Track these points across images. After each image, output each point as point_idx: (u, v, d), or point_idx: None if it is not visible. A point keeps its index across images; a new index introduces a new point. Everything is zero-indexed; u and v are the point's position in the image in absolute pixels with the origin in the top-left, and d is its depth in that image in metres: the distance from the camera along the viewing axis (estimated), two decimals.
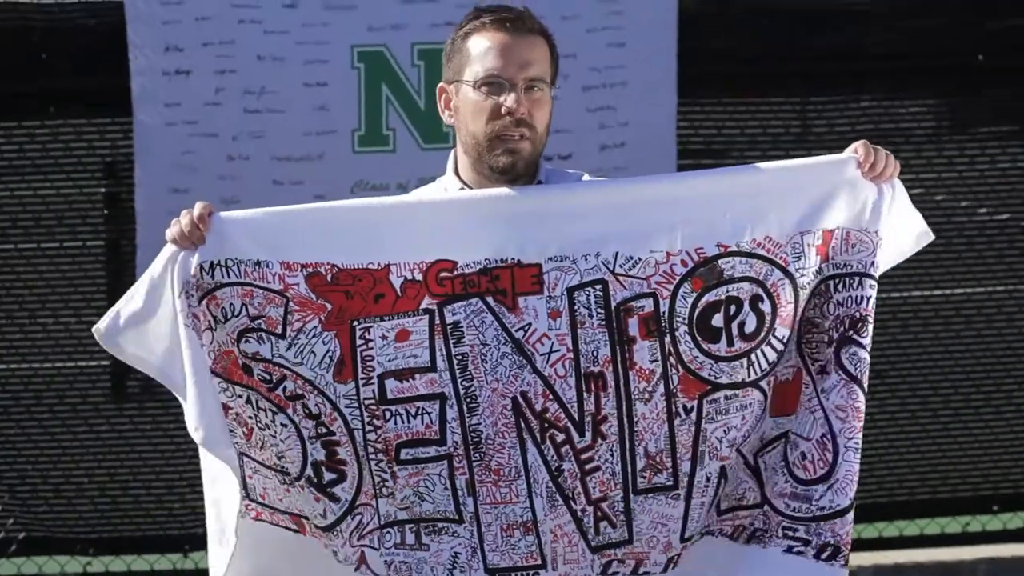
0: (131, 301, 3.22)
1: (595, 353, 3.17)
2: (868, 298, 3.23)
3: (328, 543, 3.25)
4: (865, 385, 3.25)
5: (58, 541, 6.03)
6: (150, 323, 3.21)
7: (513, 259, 3.17)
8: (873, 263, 3.24)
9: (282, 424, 3.20)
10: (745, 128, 6.13)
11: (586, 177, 3.35)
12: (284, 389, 3.19)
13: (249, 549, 3.24)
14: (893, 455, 6.28)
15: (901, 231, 3.29)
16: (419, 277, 3.17)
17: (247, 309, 3.17)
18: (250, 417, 3.20)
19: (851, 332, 3.22)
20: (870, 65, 6.12)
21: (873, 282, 3.23)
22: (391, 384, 3.17)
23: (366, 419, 3.18)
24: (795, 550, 3.27)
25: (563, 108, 5.57)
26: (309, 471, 3.21)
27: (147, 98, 5.60)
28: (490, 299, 3.17)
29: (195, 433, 3.23)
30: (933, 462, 6.32)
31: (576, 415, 3.18)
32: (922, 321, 6.19)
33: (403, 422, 3.17)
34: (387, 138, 5.68)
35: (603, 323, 3.17)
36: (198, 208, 3.19)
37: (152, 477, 6.01)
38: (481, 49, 3.18)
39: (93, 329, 3.27)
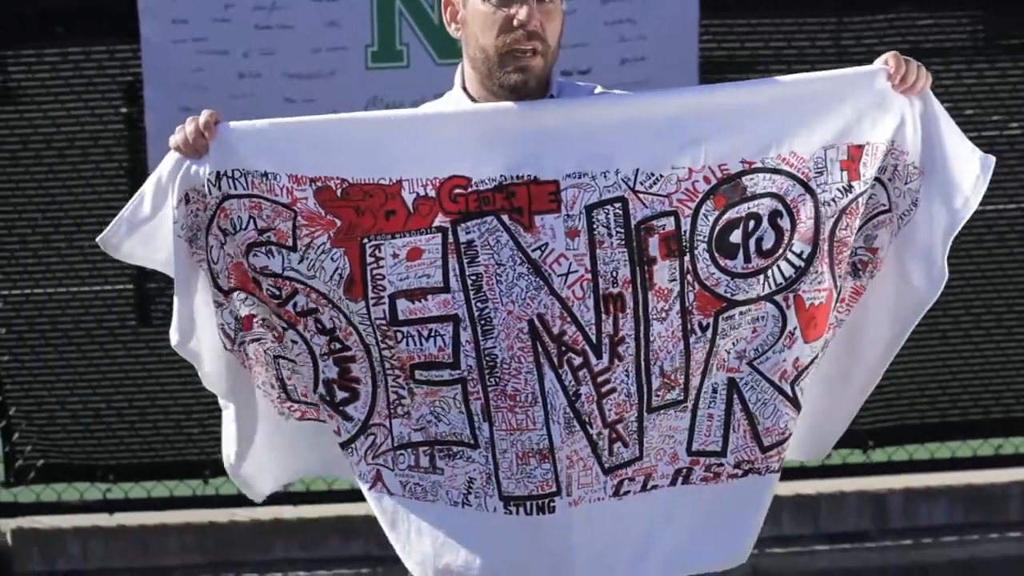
0: (135, 208, 3.16)
1: (614, 274, 3.10)
2: (869, 195, 3.17)
3: (348, 457, 3.20)
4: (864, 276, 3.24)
5: (77, 468, 6.01)
6: (156, 230, 3.15)
7: (529, 175, 3.09)
8: (884, 168, 3.16)
9: (292, 341, 3.15)
10: (770, 42, 6.00)
11: (599, 90, 3.25)
12: (295, 305, 3.12)
13: (303, 450, 3.29)
14: (923, 377, 6.20)
15: (950, 151, 3.18)
16: (432, 193, 3.08)
17: (255, 222, 3.10)
18: (274, 317, 3.15)
19: (868, 253, 3.22)
20: None
21: (877, 184, 3.17)
22: (402, 304, 3.09)
23: (379, 337, 3.11)
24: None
25: (581, 21, 5.51)
26: (321, 389, 3.16)
27: (153, 15, 5.51)
28: (505, 217, 3.08)
29: (172, 335, 3.20)
30: (964, 383, 6.23)
31: (594, 337, 3.12)
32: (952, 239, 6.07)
33: (415, 344, 3.10)
34: (400, 53, 5.58)
35: (623, 243, 3.09)
36: (204, 116, 3.11)
37: (170, 403, 5.97)
38: None
39: (97, 239, 3.22)
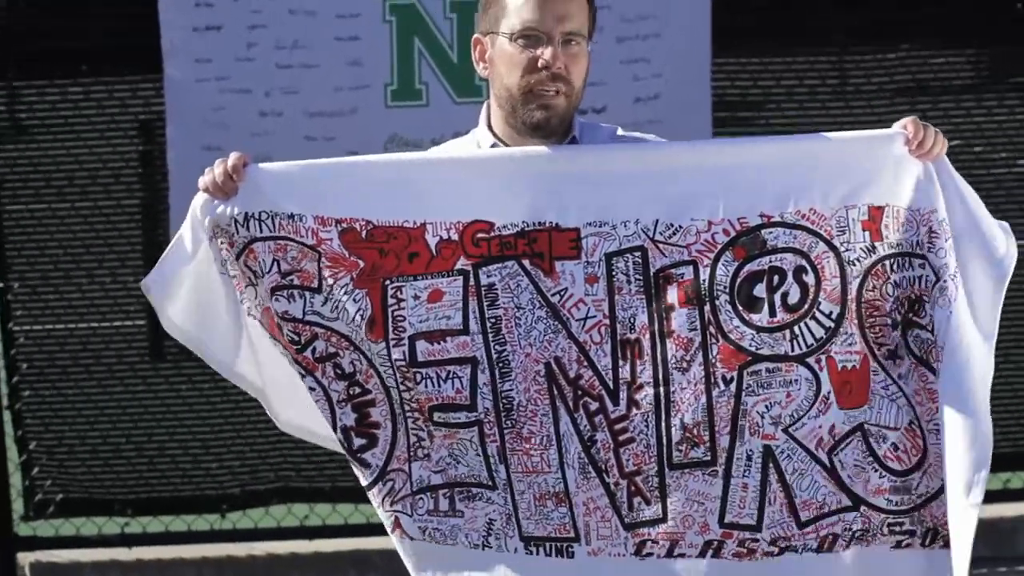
0: (173, 253, 3.19)
1: (632, 320, 3.12)
2: (920, 278, 3.13)
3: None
4: (935, 365, 3.13)
5: (95, 502, 6.04)
6: (193, 279, 3.19)
7: (551, 223, 3.13)
8: (921, 242, 3.13)
9: (309, 388, 3.18)
10: (782, 80, 6.06)
11: (620, 131, 3.30)
12: (314, 350, 3.15)
13: None
14: None
15: (974, 210, 3.15)
16: (455, 237, 3.13)
17: (279, 265, 3.14)
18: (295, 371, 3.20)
19: (911, 315, 3.14)
20: (908, 16, 6.04)
21: (922, 261, 3.12)
22: (422, 346, 3.13)
23: (399, 379, 3.15)
24: (904, 544, 3.17)
25: (597, 60, 5.47)
26: (340, 436, 3.19)
27: (178, 54, 5.58)
28: (526, 262, 3.12)
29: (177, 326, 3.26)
30: None
31: (611, 383, 3.13)
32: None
33: (433, 386, 3.13)
34: (420, 92, 5.64)
35: (641, 289, 3.12)
36: (232, 158, 3.15)
37: (189, 437, 6.00)
38: (518, 1, 3.13)
39: (140, 284, 3.25)
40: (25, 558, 6.07)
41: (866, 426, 3.15)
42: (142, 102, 5.83)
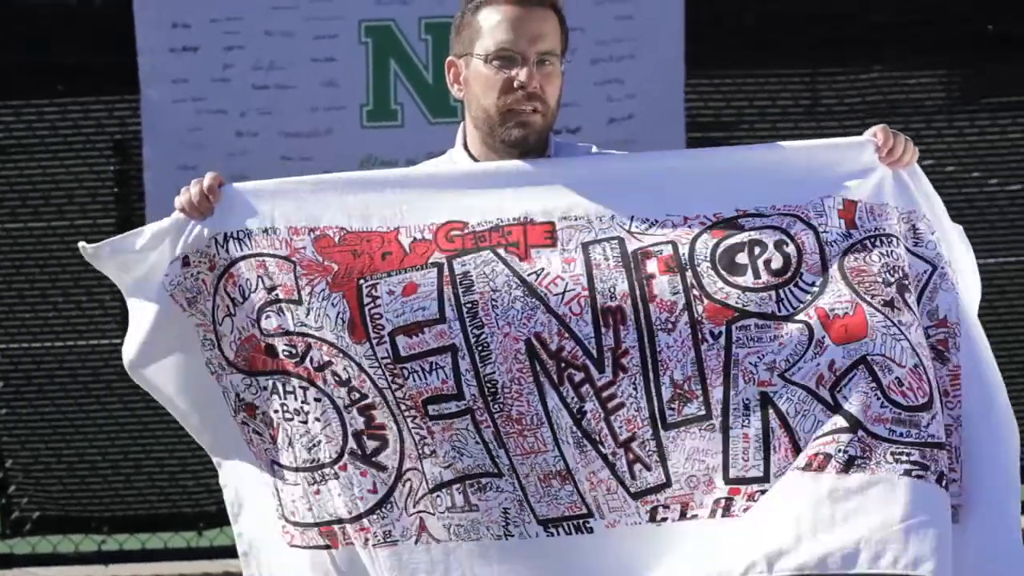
0: (125, 240, 3.19)
1: (612, 289, 3.07)
2: (904, 259, 3.11)
3: (378, 530, 3.14)
4: (940, 338, 3.10)
5: (72, 520, 6.06)
6: (135, 263, 3.18)
7: (525, 218, 3.13)
8: (905, 235, 3.13)
9: (315, 399, 3.14)
10: (754, 100, 6.11)
11: (595, 150, 3.32)
12: (311, 360, 3.13)
13: None
14: None
15: (940, 214, 3.18)
16: (428, 236, 3.13)
17: (263, 281, 3.14)
18: (275, 412, 3.16)
19: (905, 280, 3.09)
20: (879, 36, 6.10)
21: (905, 249, 3.11)
22: (402, 341, 3.10)
23: (388, 378, 3.12)
24: (915, 474, 2.95)
25: (571, 81, 5.50)
26: (352, 443, 3.14)
27: (154, 75, 5.62)
28: (501, 251, 3.11)
29: (128, 355, 3.26)
30: None
31: (594, 351, 3.07)
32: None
33: (420, 379, 3.10)
34: (395, 112, 5.68)
35: (620, 264, 3.09)
36: (208, 178, 3.16)
37: (165, 455, 6.02)
38: (492, 22, 3.14)
39: (79, 244, 3.24)
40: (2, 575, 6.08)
41: (869, 357, 3.02)
42: (118, 122, 5.86)
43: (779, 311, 3.06)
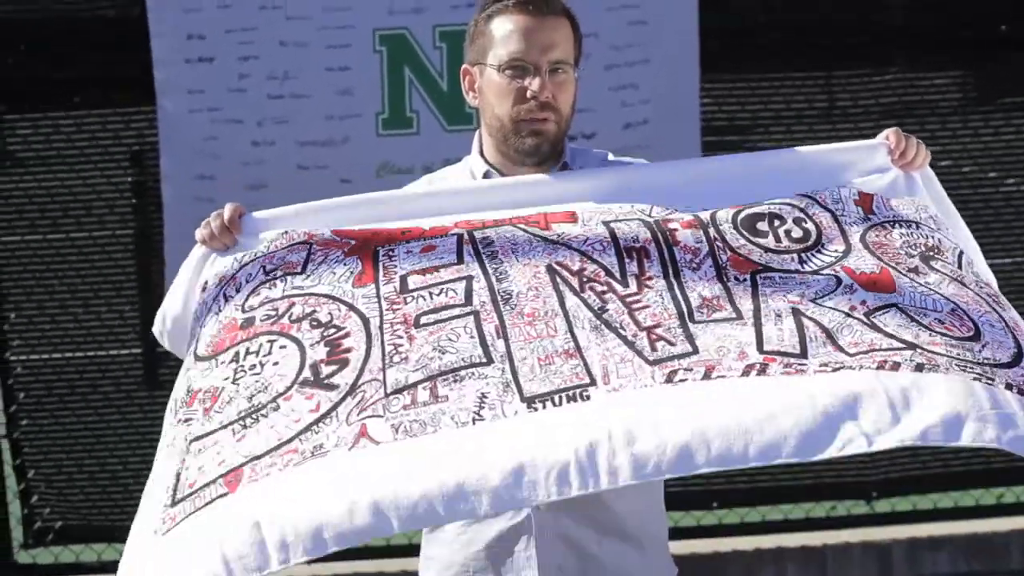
0: (170, 302, 3.23)
1: (635, 236, 3.07)
2: (930, 236, 3.11)
3: (307, 447, 2.80)
4: (973, 291, 2.99)
5: (94, 529, 6.06)
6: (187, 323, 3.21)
7: (543, 212, 3.15)
8: (924, 222, 3.14)
9: (280, 347, 2.99)
10: (769, 103, 6.11)
11: (611, 156, 3.34)
12: (290, 316, 3.04)
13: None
14: None
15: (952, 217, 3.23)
16: (448, 223, 3.15)
17: (264, 268, 3.13)
18: (225, 379, 2.96)
19: (928, 252, 3.07)
20: (894, 38, 6.09)
21: (929, 231, 3.12)
22: (413, 279, 3.06)
23: (384, 307, 3.03)
24: (984, 380, 2.79)
25: (585, 87, 5.52)
26: (306, 373, 2.91)
27: (170, 86, 5.63)
28: (522, 224, 3.13)
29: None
30: None
31: (617, 273, 3.01)
32: None
33: (425, 300, 3.03)
34: (411, 120, 5.69)
35: (641, 225, 3.10)
36: (228, 211, 3.19)
37: None
38: (504, 32, 3.17)
39: (154, 330, 3.28)
40: None
41: (900, 305, 2.93)
42: (135, 133, 5.88)
43: (803, 269, 3.02)
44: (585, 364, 2.87)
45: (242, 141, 5.64)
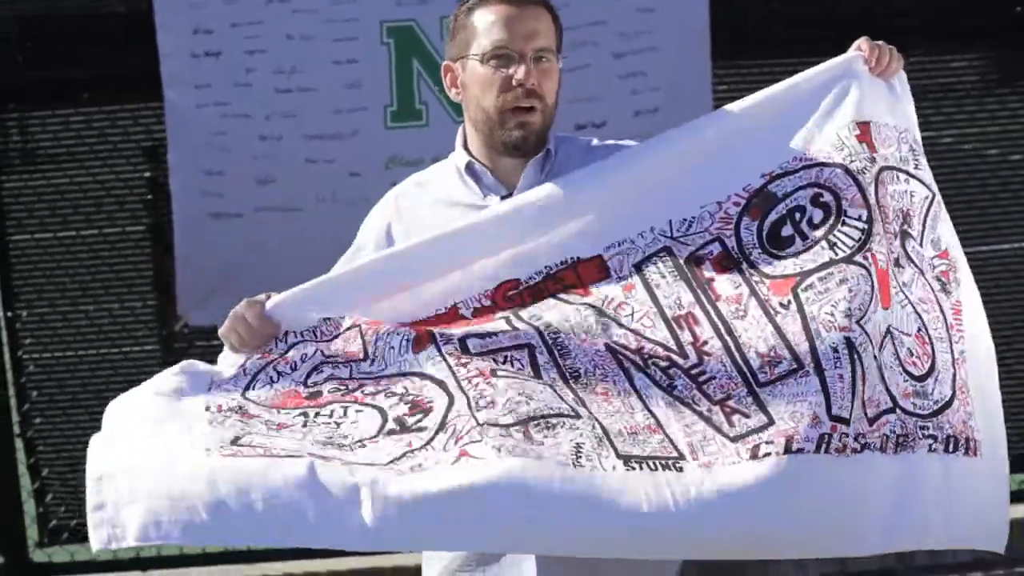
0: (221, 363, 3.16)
1: (678, 301, 3.10)
2: (909, 192, 3.20)
3: (404, 466, 2.88)
4: (931, 277, 3.19)
5: None
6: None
7: (572, 258, 3.15)
8: (904, 159, 3.20)
9: (357, 411, 3.03)
10: None
11: (595, 142, 3.32)
12: (363, 391, 3.06)
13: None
14: None
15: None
16: (488, 303, 3.13)
17: (321, 352, 3.10)
18: (292, 423, 3.02)
19: (906, 226, 3.19)
20: (909, 22, 6.04)
21: (907, 177, 3.20)
22: (473, 342, 3.07)
23: (452, 364, 3.03)
24: (932, 448, 3.08)
25: (594, 75, 5.58)
26: (391, 425, 2.98)
27: (177, 81, 5.60)
28: (562, 295, 3.13)
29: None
30: None
31: (675, 346, 3.05)
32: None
33: (493, 363, 3.03)
34: (420, 112, 5.66)
35: (677, 278, 3.12)
36: (251, 315, 3.11)
37: None
38: (487, 23, 3.18)
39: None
40: None
41: (892, 330, 3.10)
42: (143, 128, 5.86)
43: (836, 255, 3.07)
44: (670, 439, 2.93)
45: (250, 135, 5.61)
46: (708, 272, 3.11)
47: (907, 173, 3.21)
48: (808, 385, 2.98)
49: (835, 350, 3.00)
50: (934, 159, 3.39)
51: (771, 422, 2.95)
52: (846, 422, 2.97)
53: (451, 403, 2.97)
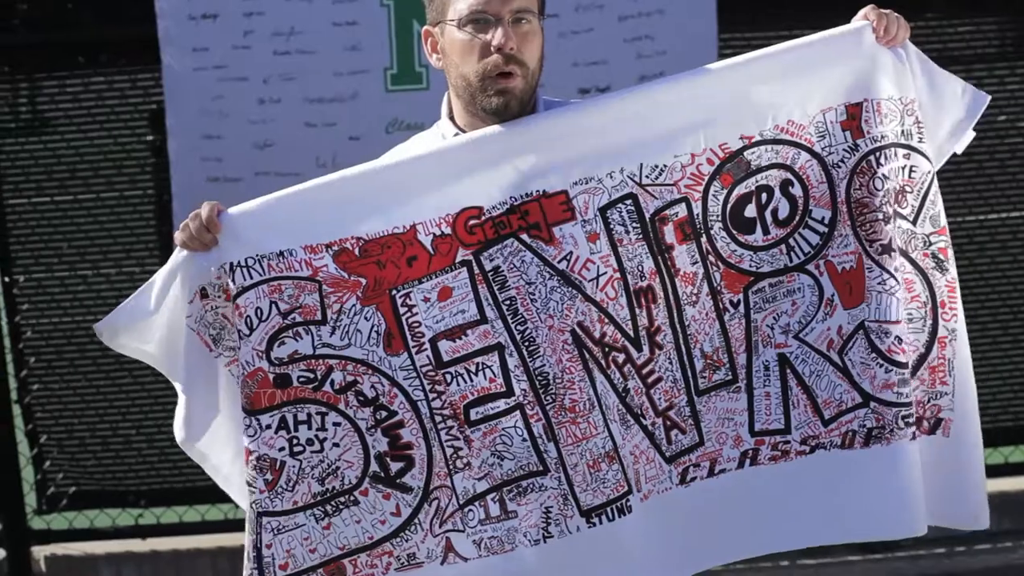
0: (137, 299, 3.12)
1: (640, 268, 3.13)
2: (908, 168, 3.18)
3: (401, 552, 3.13)
4: (916, 256, 3.21)
5: (108, 494, 6.05)
6: (153, 323, 3.10)
7: (538, 191, 3.11)
8: (908, 132, 3.18)
9: (334, 423, 3.09)
10: None
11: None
12: (332, 383, 3.08)
13: None
14: None
15: (941, 95, 3.21)
16: (447, 231, 3.10)
17: (277, 307, 3.07)
18: (280, 450, 3.07)
19: (896, 206, 3.18)
20: None
21: (908, 151, 3.18)
22: (444, 346, 3.09)
23: (427, 387, 3.09)
24: (916, 435, 3.20)
25: (599, 39, 5.52)
26: (374, 466, 3.11)
27: (174, 44, 5.54)
28: (525, 236, 3.10)
29: (177, 431, 3.24)
30: (992, 390, 6.18)
31: (631, 332, 3.15)
32: (977, 246, 6.06)
33: (466, 382, 3.09)
34: (420, 75, 5.59)
35: (640, 236, 3.13)
36: (206, 209, 3.07)
37: None
38: None
39: (94, 326, 3.18)
40: (40, 551, 6.07)
41: (867, 323, 3.19)
42: (142, 92, 5.80)
43: (791, 262, 3.18)
44: (623, 468, 3.13)
45: (249, 99, 5.55)
46: (670, 238, 3.14)
47: (909, 148, 3.19)
48: (737, 403, 3.21)
49: (766, 368, 3.20)
50: None
51: (701, 442, 3.20)
52: (781, 432, 3.21)
53: (430, 456, 3.09)
